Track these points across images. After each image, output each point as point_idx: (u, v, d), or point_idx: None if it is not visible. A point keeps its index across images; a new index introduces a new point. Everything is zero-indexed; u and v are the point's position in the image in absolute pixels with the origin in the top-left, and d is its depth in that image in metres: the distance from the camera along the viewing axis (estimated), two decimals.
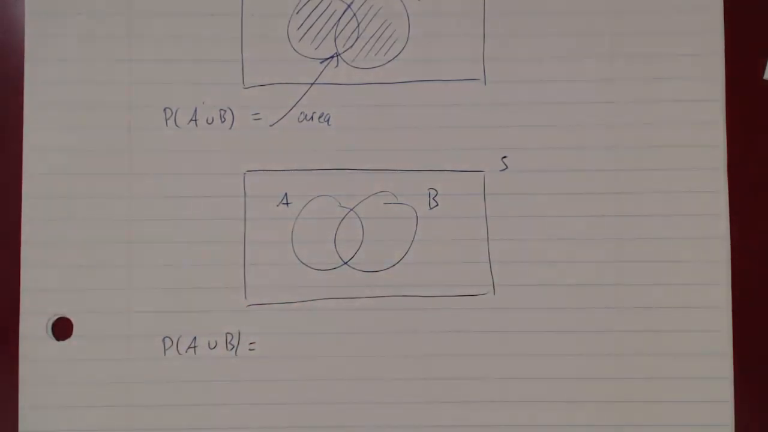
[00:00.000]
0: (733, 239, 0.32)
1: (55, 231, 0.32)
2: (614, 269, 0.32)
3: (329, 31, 0.32)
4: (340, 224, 0.32)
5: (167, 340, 0.31)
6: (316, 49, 0.32)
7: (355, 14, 0.32)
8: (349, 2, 0.32)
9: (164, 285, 0.32)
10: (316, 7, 0.32)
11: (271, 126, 0.32)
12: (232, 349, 0.31)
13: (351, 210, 0.32)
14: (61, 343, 0.31)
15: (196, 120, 0.32)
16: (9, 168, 0.32)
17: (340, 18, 0.32)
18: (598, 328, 0.32)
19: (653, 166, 0.32)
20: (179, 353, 0.31)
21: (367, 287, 0.32)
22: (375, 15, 0.32)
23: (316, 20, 0.32)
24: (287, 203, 0.32)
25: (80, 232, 0.32)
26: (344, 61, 0.32)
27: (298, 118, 0.32)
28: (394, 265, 0.32)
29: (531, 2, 0.32)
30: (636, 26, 0.32)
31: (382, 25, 0.32)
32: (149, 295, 0.32)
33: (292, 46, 0.32)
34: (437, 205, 0.32)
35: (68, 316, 0.31)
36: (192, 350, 0.31)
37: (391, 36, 0.32)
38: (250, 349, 0.31)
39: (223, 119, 0.32)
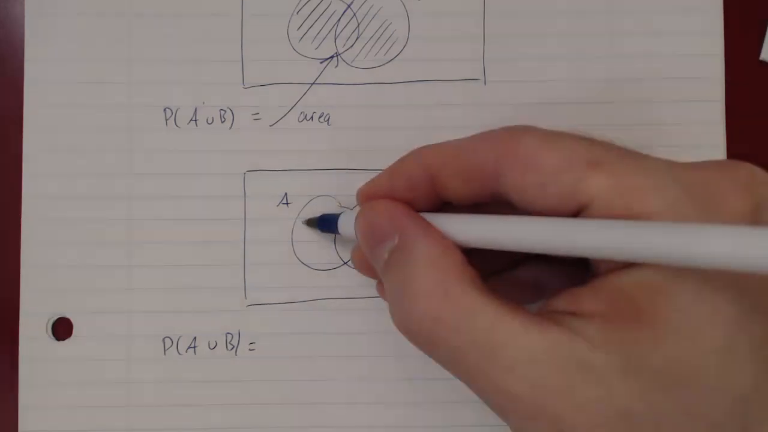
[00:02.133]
0: None
1: (55, 231, 0.31)
2: None
3: (329, 31, 0.32)
4: None
5: (167, 340, 0.31)
6: (316, 49, 0.32)
7: (355, 14, 0.32)
8: (349, 2, 0.32)
9: (164, 285, 0.32)
10: (316, 7, 0.32)
11: (271, 126, 0.32)
12: (232, 349, 0.31)
13: (351, 210, 0.32)
14: (61, 343, 0.31)
15: (196, 120, 0.32)
16: (9, 168, 0.32)
17: (340, 18, 0.32)
18: None
19: None
20: (179, 353, 0.31)
21: (367, 287, 0.32)
22: (375, 15, 0.32)
23: (316, 20, 0.32)
24: (287, 203, 0.32)
25: (80, 233, 0.32)
26: (344, 61, 0.32)
27: (298, 118, 0.32)
28: None
29: (531, 2, 0.32)
30: (636, 26, 0.32)
31: (382, 25, 0.32)
32: (149, 295, 0.32)
33: (292, 46, 0.32)
34: None
35: (68, 316, 0.31)
36: (192, 350, 0.31)
37: (391, 36, 0.32)
38: (250, 349, 0.31)
39: (223, 119, 0.32)
